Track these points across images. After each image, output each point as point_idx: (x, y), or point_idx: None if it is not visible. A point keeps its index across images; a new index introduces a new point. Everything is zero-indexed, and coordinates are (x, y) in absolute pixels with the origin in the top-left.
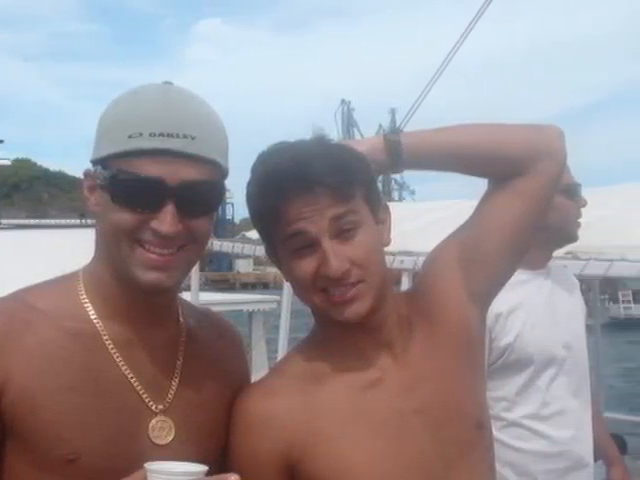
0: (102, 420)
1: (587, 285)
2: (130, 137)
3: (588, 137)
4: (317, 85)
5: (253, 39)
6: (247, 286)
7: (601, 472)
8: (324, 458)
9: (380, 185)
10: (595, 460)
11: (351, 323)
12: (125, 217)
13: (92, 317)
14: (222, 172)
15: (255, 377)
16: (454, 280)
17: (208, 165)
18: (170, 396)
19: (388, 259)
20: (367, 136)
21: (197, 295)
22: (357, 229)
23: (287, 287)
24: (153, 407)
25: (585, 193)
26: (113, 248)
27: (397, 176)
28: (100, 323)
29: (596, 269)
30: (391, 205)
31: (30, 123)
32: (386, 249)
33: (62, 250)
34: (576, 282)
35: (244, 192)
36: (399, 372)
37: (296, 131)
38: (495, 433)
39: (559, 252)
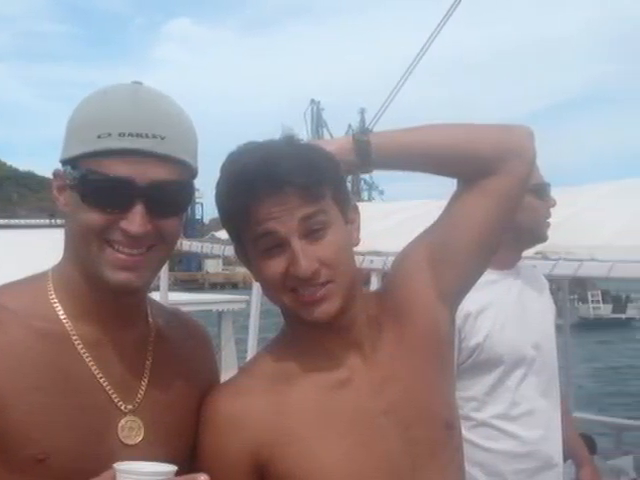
0: (71, 420)
1: (556, 285)
2: (99, 137)
3: (560, 136)
4: (286, 85)
5: (222, 39)
6: (216, 286)
7: (570, 472)
8: (293, 458)
9: (349, 185)
10: (564, 460)
11: (320, 323)
12: (94, 217)
13: (61, 317)
14: (192, 172)
15: (224, 377)
16: (423, 280)
17: (178, 165)
18: (139, 396)
19: (357, 259)
20: (336, 136)
21: (166, 295)
22: (326, 229)
23: (256, 287)
24: (122, 407)
25: (554, 193)
26: (82, 248)
27: (366, 176)
28: (69, 323)
29: (565, 269)
30: (360, 205)
31: None
32: (355, 249)
33: (31, 250)
34: (545, 282)
35: (214, 192)
36: (368, 372)
37: (265, 131)
38: (464, 433)
39: (528, 252)
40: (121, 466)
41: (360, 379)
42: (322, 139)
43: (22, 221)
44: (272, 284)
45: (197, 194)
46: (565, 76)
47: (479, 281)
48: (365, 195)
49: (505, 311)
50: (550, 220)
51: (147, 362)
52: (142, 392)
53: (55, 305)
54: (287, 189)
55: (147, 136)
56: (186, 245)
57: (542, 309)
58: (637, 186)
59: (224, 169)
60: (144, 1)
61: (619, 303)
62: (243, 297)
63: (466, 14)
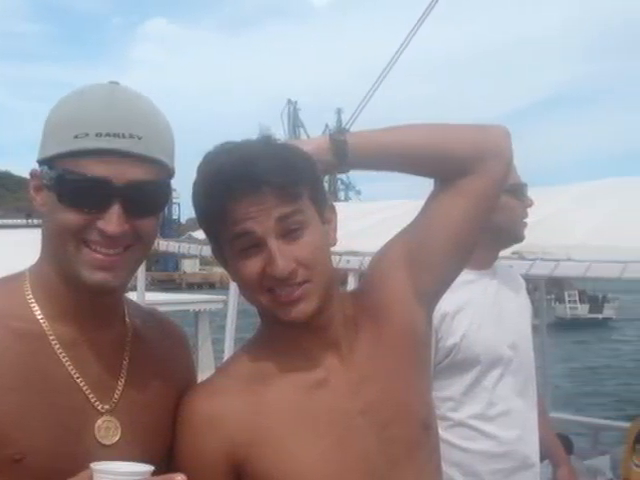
0: (48, 420)
1: (533, 285)
2: (76, 137)
3: (539, 135)
4: (263, 85)
5: (199, 39)
6: (193, 286)
7: (547, 472)
8: (270, 458)
9: (326, 185)
10: (541, 460)
11: (297, 323)
12: (71, 217)
13: (38, 317)
14: (168, 172)
15: (201, 377)
16: (400, 280)
17: (154, 165)
18: (116, 396)
19: (334, 259)
20: (313, 136)
21: (143, 295)
22: (303, 229)
23: (233, 287)
24: (99, 407)
25: (531, 193)
26: (59, 248)
27: (343, 176)
28: (46, 323)
29: (542, 269)
30: (337, 205)
31: None
32: (332, 249)
33: (8, 250)
34: (522, 282)
35: (190, 192)
36: (345, 372)
37: (242, 131)
38: (441, 433)
39: (505, 252)
40: (98, 466)
41: (337, 379)
42: (299, 139)
43: None
44: (249, 284)
45: (174, 194)
46: (546, 75)
47: (456, 281)
48: (342, 195)
49: (482, 311)
50: (527, 220)
51: (124, 362)
52: (119, 392)
53: (32, 305)
54: (264, 189)
55: (124, 136)
56: (163, 245)
57: (519, 309)
58: (613, 186)
59: (201, 169)
60: (119, 1)
61: (596, 303)
62: (220, 297)
63: (451, 13)
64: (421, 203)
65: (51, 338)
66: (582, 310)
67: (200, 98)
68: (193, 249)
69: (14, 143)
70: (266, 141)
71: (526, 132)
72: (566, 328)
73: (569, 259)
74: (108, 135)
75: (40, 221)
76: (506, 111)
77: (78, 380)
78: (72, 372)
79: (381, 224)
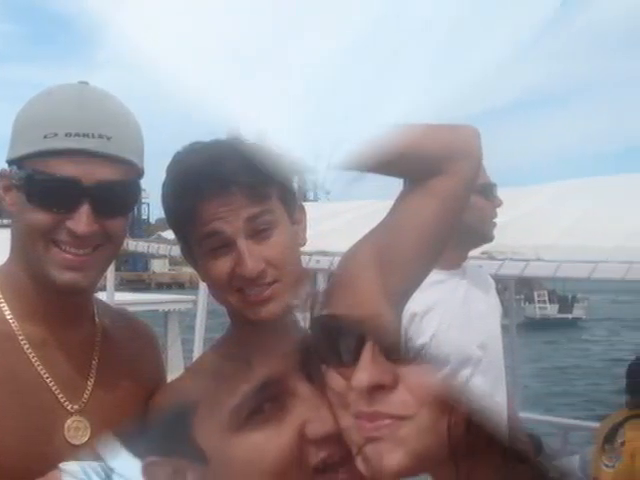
0: (18, 420)
1: (503, 285)
2: (46, 137)
3: (509, 135)
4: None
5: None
6: (163, 286)
7: None
8: None
9: (295, 185)
10: None
11: (266, 323)
12: (40, 217)
13: (8, 317)
14: (138, 172)
15: (171, 377)
16: (369, 280)
17: (124, 165)
18: (86, 396)
19: (304, 259)
20: None
21: (112, 295)
22: (273, 229)
23: (203, 287)
24: (69, 407)
25: (500, 193)
26: (29, 248)
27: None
28: (15, 323)
29: (512, 269)
30: (307, 205)
31: None
32: (302, 249)
33: None
34: (492, 282)
35: (160, 192)
36: None
37: (212, 131)
38: None
39: (475, 252)
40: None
41: None
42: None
43: None
44: (218, 284)
45: (143, 194)
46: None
47: (425, 281)
48: (311, 195)
49: (451, 311)
50: (496, 220)
51: (93, 362)
52: (88, 392)
53: (2, 305)
54: (233, 189)
55: (93, 136)
56: (132, 245)
57: (488, 309)
58: (582, 187)
59: (170, 169)
60: None
61: (565, 303)
62: (189, 297)
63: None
64: (390, 203)
65: (20, 338)
66: (551, 310)
67: (170, 97)
68: (162, 249)
69: None
70: (235, 141)
71: (498, 132)
72: (536, 328)
73: (539, 259)
74: (77, 135)
75: (9, 221)
76: (474, 112)
77: (47, 380)
78: (42, 372)
79: (351, 224)
